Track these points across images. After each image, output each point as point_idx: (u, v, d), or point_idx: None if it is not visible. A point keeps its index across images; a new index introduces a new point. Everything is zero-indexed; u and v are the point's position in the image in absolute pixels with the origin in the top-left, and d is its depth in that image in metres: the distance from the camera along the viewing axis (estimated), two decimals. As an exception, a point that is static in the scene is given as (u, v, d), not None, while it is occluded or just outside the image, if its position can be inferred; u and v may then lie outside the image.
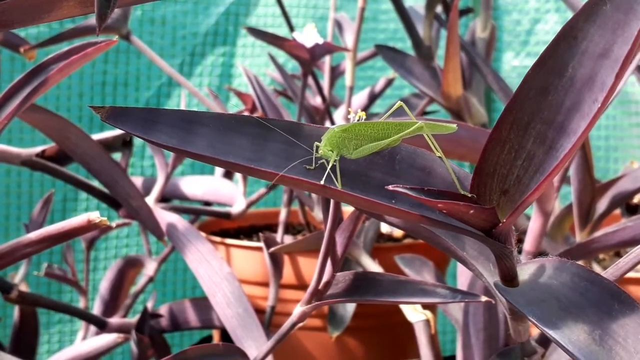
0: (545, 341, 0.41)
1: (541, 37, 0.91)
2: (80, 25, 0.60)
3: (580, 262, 0.58)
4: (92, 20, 0.50)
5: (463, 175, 0.28)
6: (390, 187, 0.24)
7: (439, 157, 0.28)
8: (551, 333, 0.26)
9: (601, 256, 0.64)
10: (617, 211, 0.63)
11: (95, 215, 0.38)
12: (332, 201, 0.35)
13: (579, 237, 0.61)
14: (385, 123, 0.26)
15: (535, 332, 0.46)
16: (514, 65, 0.92)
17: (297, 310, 0.40)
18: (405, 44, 0.87)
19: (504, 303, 0.32)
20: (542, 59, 0.24)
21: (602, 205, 0.60)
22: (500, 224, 0.26)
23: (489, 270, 0.33)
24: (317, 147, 0.26)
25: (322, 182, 0.25)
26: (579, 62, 0.23)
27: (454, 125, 0.27)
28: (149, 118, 0.25)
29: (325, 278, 0.39)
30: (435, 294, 0.38)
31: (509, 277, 0.29)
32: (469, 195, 0.26)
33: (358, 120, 0.30)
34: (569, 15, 0.88)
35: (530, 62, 0.92)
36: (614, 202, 0.58)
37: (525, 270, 0.30)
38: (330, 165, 0.25)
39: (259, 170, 0.25)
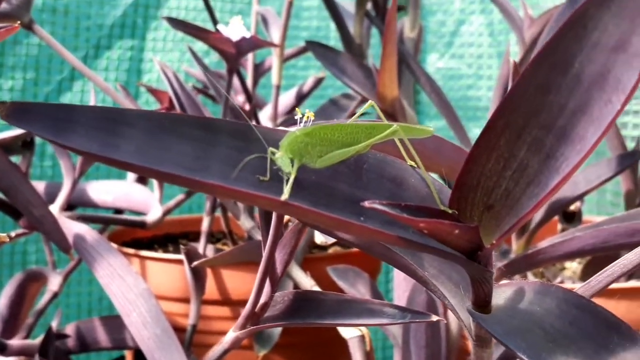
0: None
1: (466, 39, 0.89)
2: (-27, 11, 0.53)
3: (517, 275, 0.57)
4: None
5: (437, 187, 0.24)
6: (367, 204, 0.19)
7: (412, 165, 0.24)
8: (542, 370, 0.22)
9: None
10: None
11: (-10, 231, 0.32)
12: (274, 215, 0.30)
13: (516, 246, 0.59)
14: (355, 125, 0.22)
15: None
16: (439, 67, 0.90)
17: (230, 336, 0.36)
18: (328, 43, 0.83)
19: (472, 329, 0.29)
20: (543, 51, 0.20)
21: (538, 213, 0.58)
22: (488, 246, 0.22)
23: (452, 292, 0.29)
24: (274, 153, 0.21)
25: (283, 199, 0.20)
26: (587, 56, 0.20)
27: (431, 129, 0.23)
28: (61, 117, 0.20)
29: (262, 299, 0.35)
30: (383, 314, 0.35)
31: (483, 303, 0.26)
32: (450, 211, 0.22)
33: (306, 121, 0.25)
34: (495, 17, 0.87)
35: (455, 64, 0.90)
36: (551, 210, 0.56)
37: (500, 294, 0.27)
38: (292, 176, 0.21)
39: (203, 182, 0.20)
